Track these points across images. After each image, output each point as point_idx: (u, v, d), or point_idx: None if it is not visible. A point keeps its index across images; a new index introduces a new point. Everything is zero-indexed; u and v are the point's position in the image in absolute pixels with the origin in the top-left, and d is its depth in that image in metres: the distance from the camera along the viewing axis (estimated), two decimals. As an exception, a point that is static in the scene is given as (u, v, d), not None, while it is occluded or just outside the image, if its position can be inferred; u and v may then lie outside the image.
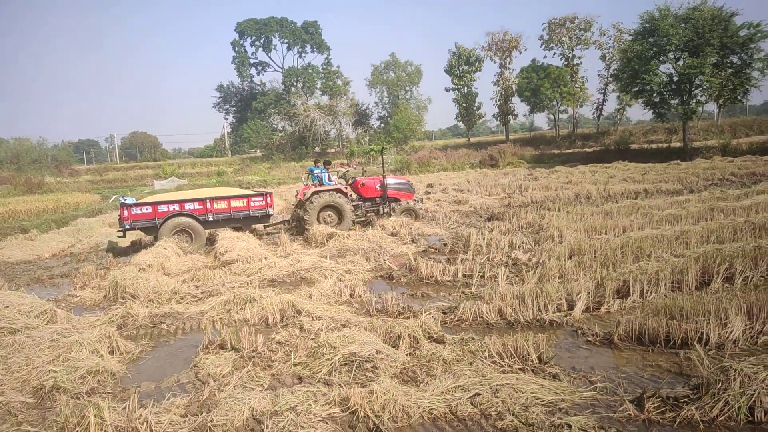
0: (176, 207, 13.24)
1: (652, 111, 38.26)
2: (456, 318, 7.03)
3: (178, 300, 8.81)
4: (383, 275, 9.90)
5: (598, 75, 55.15)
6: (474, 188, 24.20)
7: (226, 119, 68.91)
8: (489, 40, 55.95)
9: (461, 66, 57.54)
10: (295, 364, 5.75)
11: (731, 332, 5.51)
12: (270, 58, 65.31)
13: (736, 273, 7.54)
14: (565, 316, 6.77)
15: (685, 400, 4.27)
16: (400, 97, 60.45)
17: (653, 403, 4.30)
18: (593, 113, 57.01)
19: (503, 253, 10.49)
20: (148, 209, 12.98)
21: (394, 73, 60.97)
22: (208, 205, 13.48)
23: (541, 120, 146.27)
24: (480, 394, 4.68)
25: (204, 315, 7.84)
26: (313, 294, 8.38)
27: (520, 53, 56.33)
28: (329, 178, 14.91)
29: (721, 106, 41.73)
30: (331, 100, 57.49)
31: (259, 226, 15.28)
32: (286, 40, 62.52)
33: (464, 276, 9.19)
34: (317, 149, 55.23)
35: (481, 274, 9.11)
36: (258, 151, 57.77)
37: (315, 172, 14.99)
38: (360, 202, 15.39)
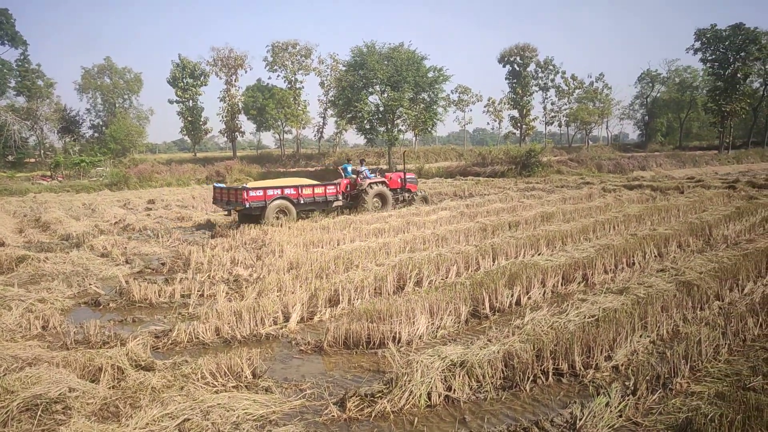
0: (279, 192, 16.13)
1: (364, 136, 42.75)
2: (170, 341, 6.63)
3: None
4: (88, 302, 8.75)
5: (319, 100, 59.27)
6: (199, 204, 23.39)
7: None
8: (215, 56, 55.08)
9: (186, 78, 55.24)
10: (-46, 422, 4.64)
11: (418, 329, 6.42)
12: (-60, 46, 52.27)
13: (423, 277, 8.82)
14: (281, 328, 6.98)
15: (380, 394, 4.79)
16: (117, 105, 55.00)
17: (354, 402, 4.71)
18: (315, 135, 60.94)
19: (225, 269, 10.32)
20: (260, 192, 15.68)
21: (110, 79, 55.27)
22: (300, 191, 16.56)
23: (268, 139, 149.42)
24: (189, 419, 4.46)
25: None
26: (-10, 331, 6.92)
27: (246, 72, 56.94)
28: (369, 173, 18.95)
29: (416, 135, 48.98)
30: (30, 103, 49.05)
31: None
32: (-37, 28, 50.88)
33: (182, 296, 8.73)
34: (11, 158, 46.24)
35: (200, 293, 8.79)
36: None
37: (348, 168, 19.14)
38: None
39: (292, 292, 8.04)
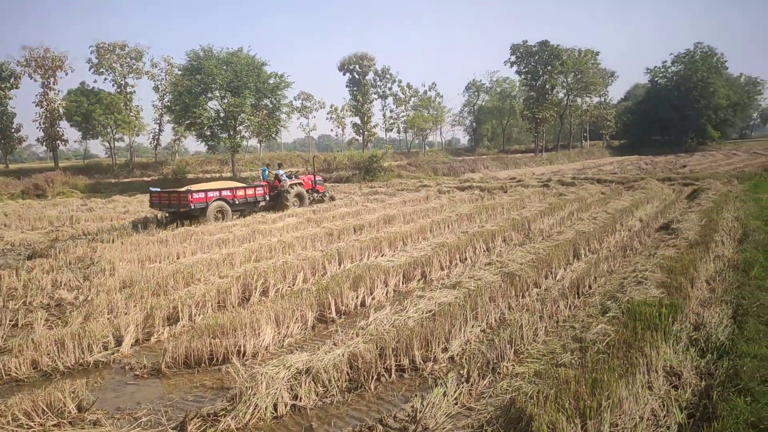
0: (217, 194, 17.66)
1: (204, 143, 40.81)
2: (-28, 384, 5.74)
3: None
4: None
5: (153, 105, 55.03)
6: (13, 222, 20.45)
7: None
8: (27, 55, 48.46)
9: (-8, 81, 47.87)
10: None
11: (263, 340, 6.32)
12: None
13: (270, 286, 8.70)
14: (113, 353, 6.42)
15: (224, 412, 4.64)
16: None
17: (195, 424, 4.50)
18: (150, 143, 56.62)
19: (45, 294, 9.21)
20: (202, 194, 17.28)
21: None
22: (235, 192, 18.28)
23: (97, 147, 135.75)
24: (-1, 470, 3.93)
25: None
26: None
27: (67, 74, 50.44)
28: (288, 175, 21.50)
29: (261, 141, 48.06)
30: None
31: None
32: None
33: (-11, 329, 7.60)
34: None
35: (13, 322, 7.73)
36: None
37: (266, 171, 21.89)
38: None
39: (126, 313, 7.45)
